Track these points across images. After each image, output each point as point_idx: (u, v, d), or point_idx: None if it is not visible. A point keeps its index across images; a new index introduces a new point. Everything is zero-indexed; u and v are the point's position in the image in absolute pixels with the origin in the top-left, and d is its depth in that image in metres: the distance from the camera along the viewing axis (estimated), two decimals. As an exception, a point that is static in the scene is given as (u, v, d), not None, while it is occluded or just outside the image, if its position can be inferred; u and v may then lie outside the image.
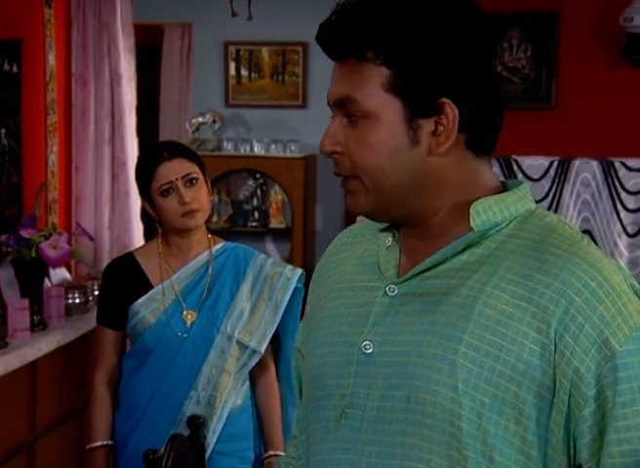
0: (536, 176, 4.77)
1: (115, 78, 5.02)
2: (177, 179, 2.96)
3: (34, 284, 4.15)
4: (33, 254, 4.11)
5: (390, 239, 1.49)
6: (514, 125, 5.15)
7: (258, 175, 6.90)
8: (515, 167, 4.75)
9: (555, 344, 1.30)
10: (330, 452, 1.44)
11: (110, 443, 3.04)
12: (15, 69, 4.43)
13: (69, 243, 4.27)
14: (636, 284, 1.38)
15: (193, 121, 6.75)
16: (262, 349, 3.03)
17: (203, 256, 3.07)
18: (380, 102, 1.36)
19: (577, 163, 4.74)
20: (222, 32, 6.66)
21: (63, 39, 4.93)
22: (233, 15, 4.45)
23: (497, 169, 4.69)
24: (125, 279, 3.07)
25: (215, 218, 6.87)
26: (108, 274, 3.13)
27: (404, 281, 1.42)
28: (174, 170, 2.97)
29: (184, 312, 3.01)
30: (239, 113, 6.89)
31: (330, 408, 1.45)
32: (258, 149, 6.66)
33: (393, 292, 1.42)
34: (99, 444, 3.02)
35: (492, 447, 1.32)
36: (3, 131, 4.34)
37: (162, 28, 7.27)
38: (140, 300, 3.02)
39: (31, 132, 4.61)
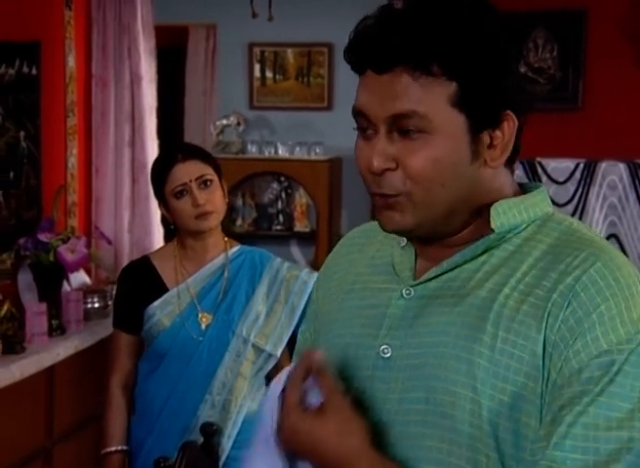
0: (561, 179, 4.70)
1: (135, 80, 4.98)
2: (190, 181, 2.96)
3: (52, 288, 4.12)
4: (51, 258, 4.08)
5: (405, 239, 1.46)
6: (539, 126, 5.12)
7: (282, 179, 6.85)
8: (540, 170, 4.69)
9: (555, 336, 1.29)
10: None
11: (125, 448, 3.03)
12: (34, 71, 4.40)
13: (87, 246, 4.24)
14: None
15: (217, 123, 6.71)
16: (278, 353, 3.02)
17: (219, 259, 3.07)
18: (446, 117, 1.32)
19: (603, 165, 4.68)
20: (247, 33, 6.62)
21: (83, 41, 4.89)
22: (254, 16, 4.44)
23: (520, 172, 4.65)
24: (140, 282, 3.08)
25: (239, 222, 6.84)
26: (124, 277, 3.13)
27: (421, 283, 1.41)
28: (187, 171, 2.97)
29: (200, 315, 3.01)
30: (263, 115, 6.85)
31: None
32: (282, 152, 6.61)
33: (410, 294, 1.41)
34: (113, 449, 3.02)
35: (514, 445, 1.29)
36: (22, 133, 4.31)
37: (187, 30, 7.24)
38: (156, 303, 3.02)
39: (50, 134, 4.57)
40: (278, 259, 3.14)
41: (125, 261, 4.84)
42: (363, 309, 1.45)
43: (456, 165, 1.34)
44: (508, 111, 1.35)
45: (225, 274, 3.04)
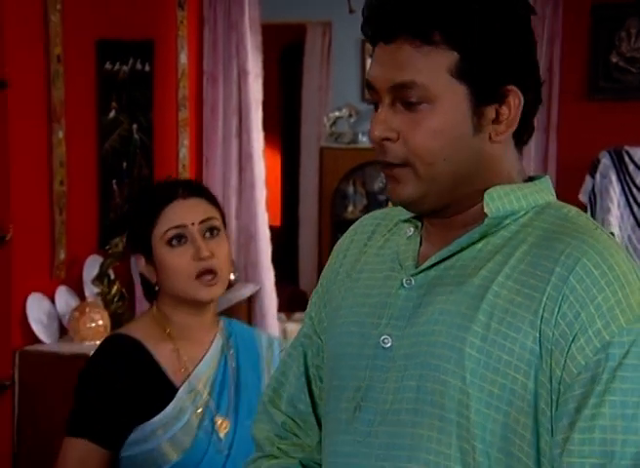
0: (648, 168, 4.66)
1: (242, 75, 5.25)
2: (192, 224, 2.13)
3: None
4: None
5: (412, 229, 1.44)
6: (628, 115, 5.10)
7: (392, 167, 7.03)
8: (627, 158, 4.65)
9: (553, 332, 1.26)
10: (342, 444, 1.41)
11: None
12: (147, 68, 4.70)
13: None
14: None
15: (330, 115, 6.95)
16: None
17: (218, 340, 2.23)
18: (446, 87, 1.30)
19: (692, 154, 4.62)
20: (360, 30, 6.79)
21: (195, 39, 5.19)
22: (350, 11, 4.61)
23: (607, 160, 4.62)
24: (139, 375, 2.14)
25: (350, 208, 7.09)
26: (111, 363, 2.14)
27: (420, 272, 1.38)
28: (190, 211, 2.14)
29: (217, 420, 2.16)
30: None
31: (344, 399, 1.42)
32: (392, 142, 6.77)
33: (410, 283, 1.39)
34: None
35: (501, 438, 1.28)
36: (134, 126, 4.61)
37: (305, 27, 7.48)
38: (167, 411, 2.10)
39: (162, 127, 4.87)
40: (262, 334, 2.41)
41: (233, 246, 5.09)
42: (367, 297, 1.43)
43: (457, 138, 1.32)
44: (512, 86, 1.32)
45: (231, 362, 2.23)
